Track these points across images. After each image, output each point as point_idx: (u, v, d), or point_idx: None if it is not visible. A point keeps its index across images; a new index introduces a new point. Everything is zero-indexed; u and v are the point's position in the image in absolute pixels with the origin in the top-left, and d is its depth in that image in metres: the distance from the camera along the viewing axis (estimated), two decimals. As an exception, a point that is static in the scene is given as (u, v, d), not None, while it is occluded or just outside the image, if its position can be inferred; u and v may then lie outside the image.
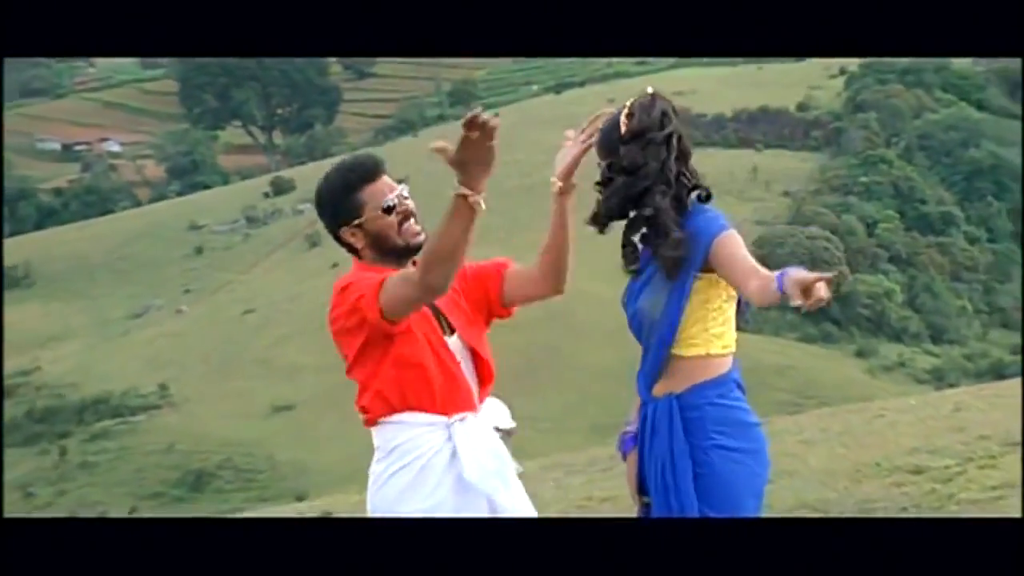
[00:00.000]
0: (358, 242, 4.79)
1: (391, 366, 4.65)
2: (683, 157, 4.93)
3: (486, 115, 4.39)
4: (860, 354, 74.82)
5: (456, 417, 4.68)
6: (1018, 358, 70.21)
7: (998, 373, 57.59)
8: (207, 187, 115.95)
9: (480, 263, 4.95)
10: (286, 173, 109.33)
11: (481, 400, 4.81)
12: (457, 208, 4.41)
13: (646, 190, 4.78)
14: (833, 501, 8.30)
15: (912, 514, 7.83)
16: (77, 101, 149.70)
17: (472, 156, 4.44)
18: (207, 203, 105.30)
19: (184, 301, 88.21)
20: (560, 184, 4.80)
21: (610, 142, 4.82)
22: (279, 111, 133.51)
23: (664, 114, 4.84)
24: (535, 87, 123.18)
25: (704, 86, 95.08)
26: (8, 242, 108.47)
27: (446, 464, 4.65)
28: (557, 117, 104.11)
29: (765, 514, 8.07)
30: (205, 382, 73.07)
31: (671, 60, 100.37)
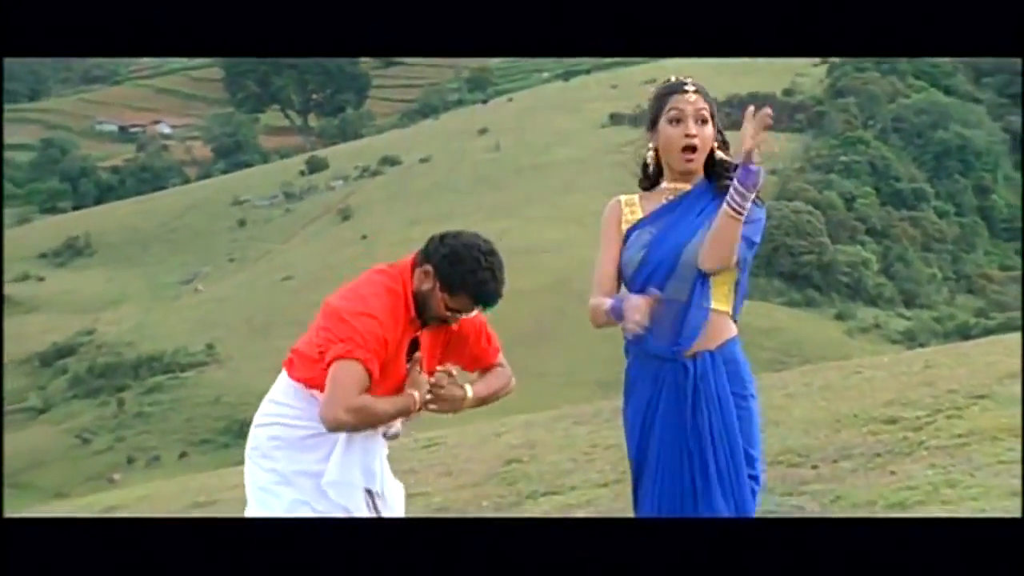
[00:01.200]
0: (421, 283, 4.72)
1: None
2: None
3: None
4: (839, 317, 74.78)
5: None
6: (981, 320, 70.16)
7: (964, 334, 57.56)
8: (249, 165, 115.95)
9: (485, 345, 5.00)
10: (320, 153, 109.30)
11: None
12: (406, 408, 4.64)
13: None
14: (815, 448, 8.31)
15: (886, 459, 7.83)
16: (132, 87, 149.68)
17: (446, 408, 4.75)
18: (249, 180, 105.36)
19: (229, 269, 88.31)
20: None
21: (712, 105, 4.86)
22: (314, 96, 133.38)
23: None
24: (545, 74, 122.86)
25: (699, 73, 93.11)
26: (71, 215, 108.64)
27: (323, 455, 4.67)
28: (565, 101, 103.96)
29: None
30: (248, 341, 73.23)
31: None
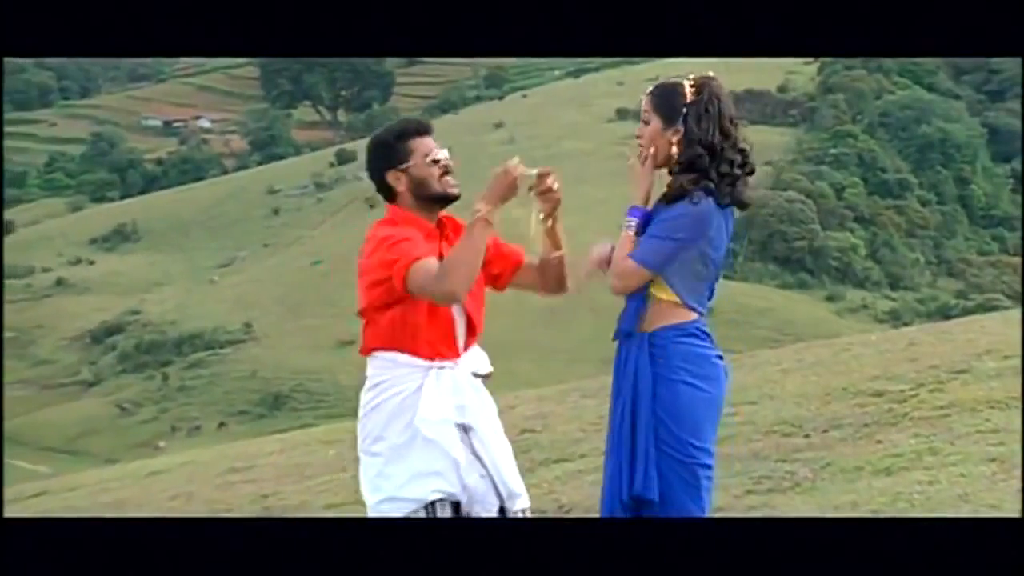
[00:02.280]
0: (400, 186, 4.64)
1: (393, 312, 4.54)
2: (724, 132, 4.64)
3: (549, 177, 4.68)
4: (830, 298, 74.70)
5: (436, 364, 4.55)
6: (961, 301, 70.00)
7: (945, 314, 57.42)
8: (282, 157, 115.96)
9: (503, 243, 4.82)
10: (348, 145, 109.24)
11: (467, 348, 4.64)
12: (478, 226, 4.47)
13: (705, 147, 4.60)
14: (807, 418, 8.29)
15: (873, 429, 7.82)
16: (175, 85, 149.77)
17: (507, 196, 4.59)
18: (282, 171, 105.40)
19: (263, 253, 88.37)
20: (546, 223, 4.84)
21: (670, 103, 4.64)
22: (343, 93, 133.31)
23: (715, 97, 4.65)
24: (557, 72, 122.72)
25: (697, 71, 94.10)
26: (119, 204, 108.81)
27: (428, 399, 4.53)
28: (575, 97, 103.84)
29: (747, 432, 8.10)
30: (281, 320, 73.38)
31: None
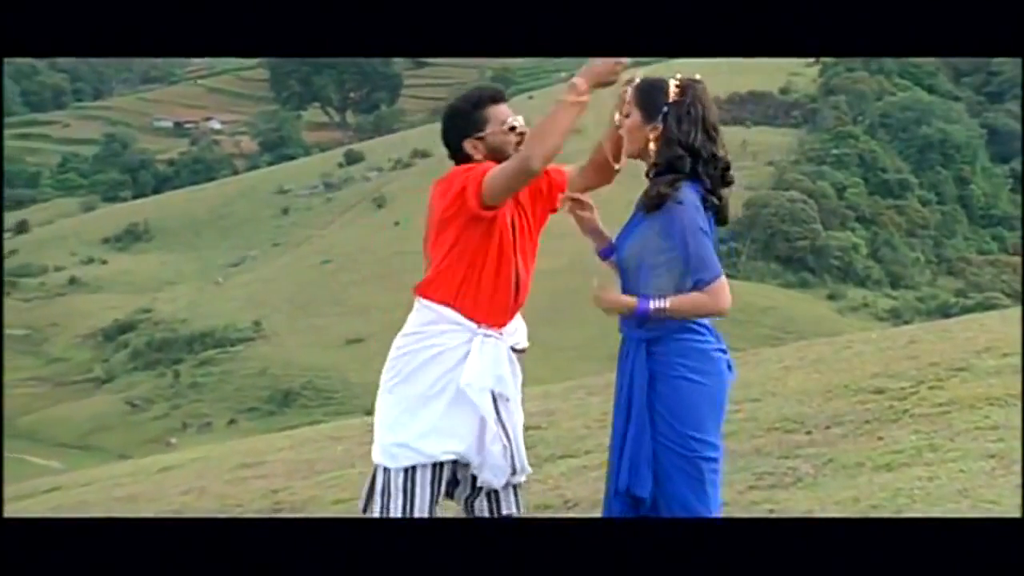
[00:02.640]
0: (477, 154, 4.63)
1: (461, 265, 4.53)
2: (709, 136, 4.60)
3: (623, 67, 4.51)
4: (831, 297, 74.66)
5: (482, 329, 4.54)
6: (961, 299, 69.95)
7: (945, 312, 57.40)
8: (292, 158, 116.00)
9: (548, 179, 4.79)
10: (357, 146, 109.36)
11: (512, 315, 4.65)
12: (567, 103, 4.45)
13: (684, 147, 4.56)
14: (808, 415, 8.29)
15: (874, 426, 7.82)
16: (186, 87, 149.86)
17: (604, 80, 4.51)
18: (292, 171, 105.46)
19: (273, 252, 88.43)
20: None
21: (652, 100, 4.60)
22: (351, 95, 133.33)
23: (698, 99, 4.63)
24: (563, 74, 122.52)
25: (702, 73, 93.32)
26: (131, 204, 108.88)
27: (454, 364, 4.51)
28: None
29: (750, 428, 8.09)
30: (291, 318, 73.43)
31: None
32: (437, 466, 4.52)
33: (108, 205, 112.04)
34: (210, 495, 9.29)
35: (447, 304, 4.54)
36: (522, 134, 4.62)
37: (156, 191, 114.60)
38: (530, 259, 4.68)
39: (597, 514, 6.62)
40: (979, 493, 6.14)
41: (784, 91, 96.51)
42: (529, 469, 4.70)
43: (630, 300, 4.46)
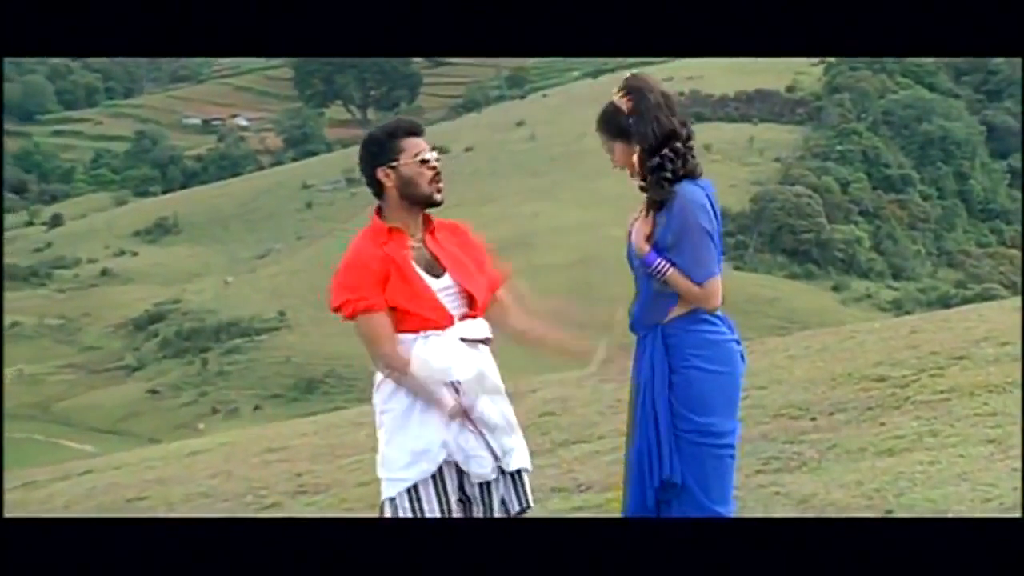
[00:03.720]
0: (389, 182, 4.59)
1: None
2: (669, 116, 4.53)
3: None
4: (835, 288, 74.53)
5: (422, 334, 4.53)
6: (961, 291, 69.76)
7: (945, 303, 57.24)
8: (315, 154, 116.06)
9: (487, 261, 4.72)
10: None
11: (464, 319, 4.60)
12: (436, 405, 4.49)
13: (659, 146, 4.51)
14: (813, 402, 8.29)
15: (876, 412, 7.81)
16: (214, 85, 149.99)
17: None
18: (315, 167, 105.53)
19: (297, 245, 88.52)
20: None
21: (617, 124, 4.53)
22: (372, 93, 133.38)
23: (646, 91, 4.56)
24: (576, 73, 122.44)
25: (710, 72, 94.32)
26: (161, 198, 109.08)
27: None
28: (595, 96, 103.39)
29: (757, 415, 8.09)
30: (314, 309, 73.44)
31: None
32: (436, 477, 4.48)
33: (139, 199, 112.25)
34: (237, 478, 9.31)
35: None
36: (434, 168, 4.60)
37: (185, 186, 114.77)
38: (464, 273, 4.63)
39: (610, 496, 6.64)
40: (978, 477, 6.14)
41: (790, 89, 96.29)
42: (514, 449, 4.56)
43: (646, 247, 4.48)
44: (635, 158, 4.51)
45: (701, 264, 4.44)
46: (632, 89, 4.55)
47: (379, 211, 4.68)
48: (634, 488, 4.51)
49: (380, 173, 4.61)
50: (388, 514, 4.52)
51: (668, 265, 4.45)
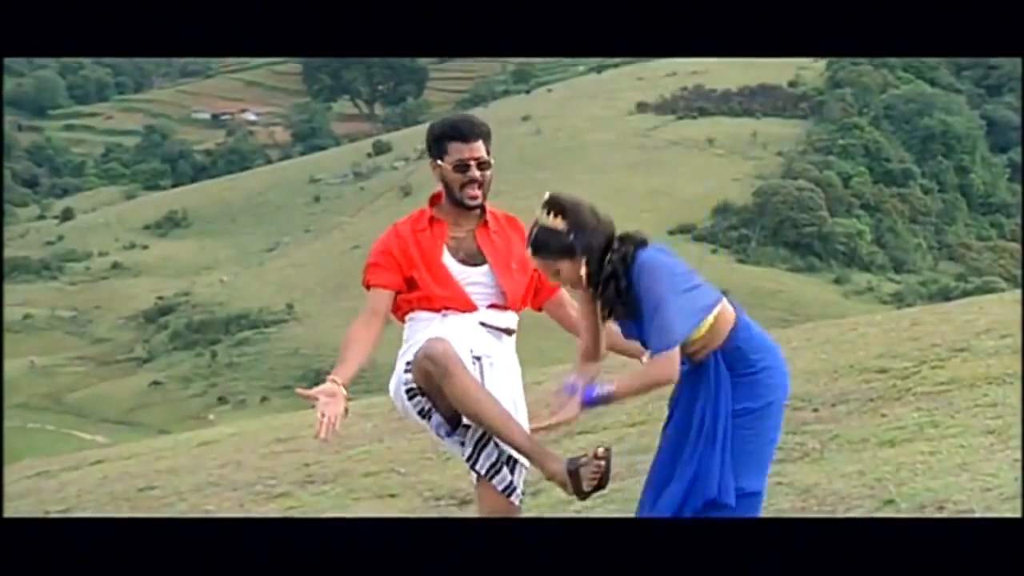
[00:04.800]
0: (437, 175, 4.79)
1: (406, 295, 4.77)
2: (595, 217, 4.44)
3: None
4: (837, 281, 74.50)
5: (446, 313, 4.68)
6: (961, 283, 69.70)
7: (946, 296, 57.24)
8: (323, 148, 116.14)
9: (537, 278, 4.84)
10: (385, 137, 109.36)
11: (493, 308, 4.72)
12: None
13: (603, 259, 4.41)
14: (816, 394, 8.28)
15: (878, 404, 7.81)
16: (223, 80, 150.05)
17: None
18: (323, 161, 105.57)
19: (305, 239, 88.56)
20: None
21: (559, 244, 4.36)
22: (380, 87, 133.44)
23: (576, 206, 4.41)
24: (581, 68, 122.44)
25: (714, 67, 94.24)
26: (170, 192, 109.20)
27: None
28: (599, 91, 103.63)
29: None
30: (322, 301, 73.57)
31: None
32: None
33: (149, 193, 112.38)
34: (246, 468, 9.33)
35: (417, 309, 4.76)
36: (471, 179, 4.70)
37: (194, 180, 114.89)
38: (504, 271, 4.75)
39: (615, 487, 6.64)
40: (978, 467, 6.14)
41: (793, 84, 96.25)
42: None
43: (571, 411, 4.42)
44: (583, 272, 4.39)
45: (667, 331, 4.31)
46: (561, 206, 4.39)
47: (436, 196, 4.84)
48: (688, 500, 4.38)
49: (431, 164, 4.81)
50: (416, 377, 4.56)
51: (604, 385, 4.41)
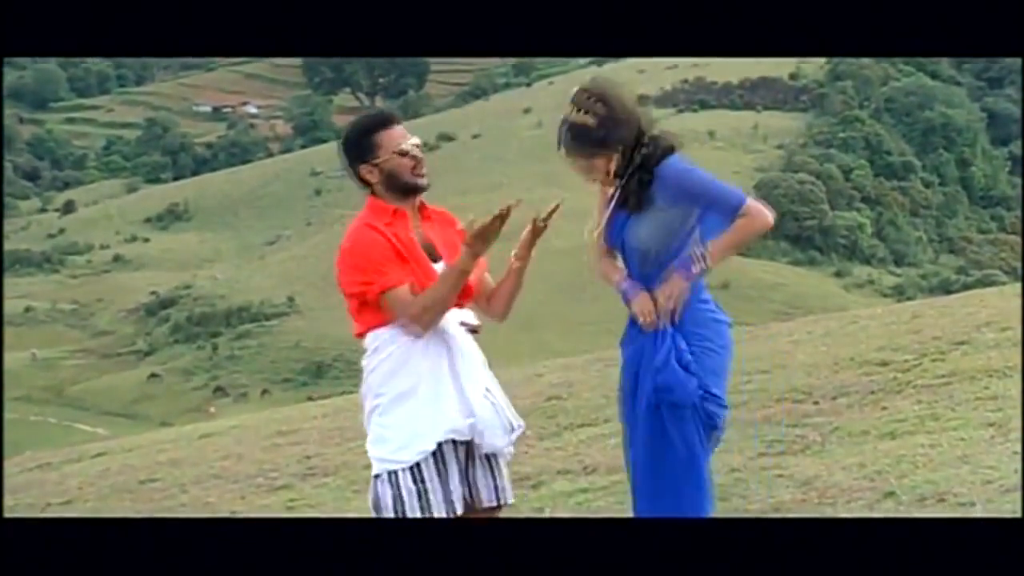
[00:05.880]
0: (373, 179, 4.50)
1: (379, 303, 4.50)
2: (633, 118, 4.47)
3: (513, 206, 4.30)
4: (838, 274, 74.51)
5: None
6: (962, 276, 69.68)
7: (946, 289, 57.21)
8: (324, 141, 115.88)
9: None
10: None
11: (459, 307, 4.52)
12: (457, 270, 4.36)
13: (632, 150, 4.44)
14: (816, 386, 8.29)
15: (878, 396, 7.81)
16: (224, 73, 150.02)
17: (491, 236, 4.33)
18: (324, 154, 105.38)
19: (307, 232, 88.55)
20: (518, 263, 4.47)
21: (592, 140, 4.43)
22: (380, 80, 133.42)
23: (605, 98, 4.46)
24: (582, 60, 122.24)
25: (715, 60, 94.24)
26: (172, 185, 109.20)
27: (421, 351, 4.43)
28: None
29: (761, 399, 8.09)
30: (323, 295, 73.50)
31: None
32: (435, 455, 4.40)
33: (150, 186, 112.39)
34: (248, 460, 9.34)
35: (384, 325, 4.49)
36: (415, 158, 4.51)
37: (195, 173, 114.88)
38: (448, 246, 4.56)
39: (615, 479, 6.65)
40: (979, 459, 6.14)
41: (793, 77, 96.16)
42: (522, 423, 4.57)
43: (677, 284, 4.35)
44: (613, 164, 4.43)
45: (725, 192, 4.33)
46: (594, 99, 4.43)
47: (373, 202, 4.58)
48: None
49: (364, 171, 4.52)
50: (380, 491, 4.45)
51: (702, 258, 4.35)
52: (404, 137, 4.52)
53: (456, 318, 4.51)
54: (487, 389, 4.50)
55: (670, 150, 4.43)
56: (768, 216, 4.34)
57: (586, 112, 4.41)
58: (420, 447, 4.40)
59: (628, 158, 4.42)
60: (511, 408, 4.58)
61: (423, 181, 4.54)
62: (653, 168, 4.39)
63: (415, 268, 4.45)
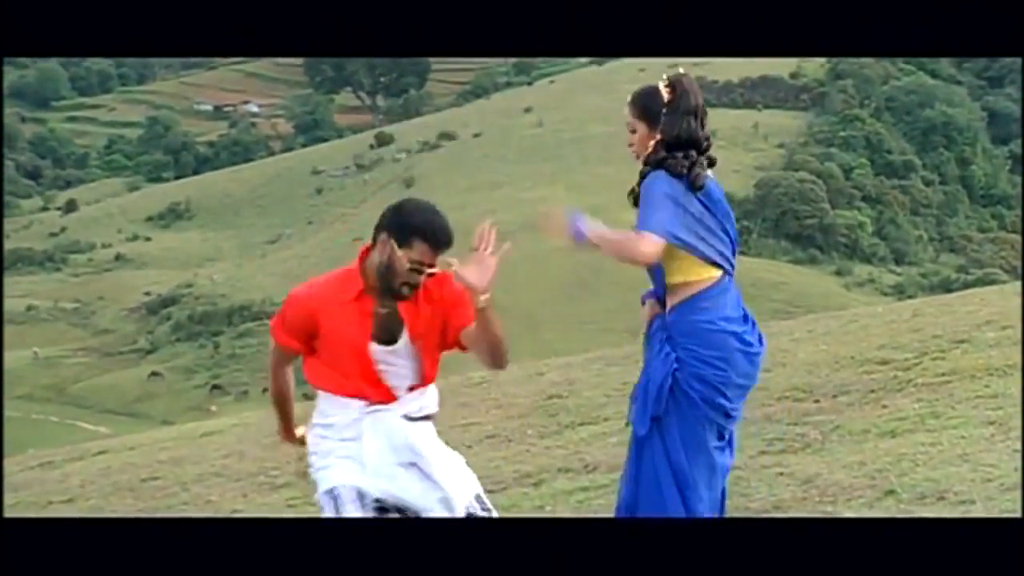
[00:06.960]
0: (379, 254, 4.39)
1: (315, 361, 4.61)
2: (700, 122, 4.76)
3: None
4: (838, 273, 74.42)
5: (369, 408, 4.44)
6: (962, 275, 69.67)
7: (947, 287, 57.14)
8: (325, 140, 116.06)
9: (465, 299, 4.37)
10: (387, 129, 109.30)
11: (411, 391, 4.47)
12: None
13: (679, 146, 4.65)
14: (817, 385, 8.29)
15: (879, 395, 7.81)
16: (225, 72, 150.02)
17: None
18: (325, 153, 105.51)
19: (308, 230, 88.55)
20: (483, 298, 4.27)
21: (651, 107, 4.70)
22: (382, 79, 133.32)
23: (688, 95, 4.72)
24: (583, 59, 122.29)
25: (716, 59, 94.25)
26: (173, 184, 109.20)
27: (357, 445, 4.48)
28: (600, 83, 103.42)
29: (761, 397, 8.09)
30: (325, 292, 73.47)
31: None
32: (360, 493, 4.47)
33: (152, 185, 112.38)
34: (249, 458, 9.34)
35: (326, 389, 4.65)
36: (417, 283, 4.39)
37: (197, 171, 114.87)
38: (425, 340, 4.46)
39: (615, 477, 6.65)
40: (979, 458, 6.14)
41: (794, 75, 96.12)
42: (478, 491, 4.50)
43: (558, 223, 4.67)
44: (651, 144, 4.67)
45: (644, 219, 4.55)
46: (677, 85, 4.71)
47: (365, 252, 4.51)
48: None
49: (381, 238, 4.41)
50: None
51: (589, 228, 4.61)
52: (431, 260, 4.37)
53: (402, 410, 4.45)
54: (438, 483, 4.42)
55: (661, 163, 4.64)
56: (639, 250, 4.52)
57: (668, 87, 4.70)
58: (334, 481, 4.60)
59: (669, 153, 4.63)
60: (468, 486, 4.49)
61: (404, 292, 4.41)
62: (645, 174, 4.67)
63: (336, 352, 4.50)
